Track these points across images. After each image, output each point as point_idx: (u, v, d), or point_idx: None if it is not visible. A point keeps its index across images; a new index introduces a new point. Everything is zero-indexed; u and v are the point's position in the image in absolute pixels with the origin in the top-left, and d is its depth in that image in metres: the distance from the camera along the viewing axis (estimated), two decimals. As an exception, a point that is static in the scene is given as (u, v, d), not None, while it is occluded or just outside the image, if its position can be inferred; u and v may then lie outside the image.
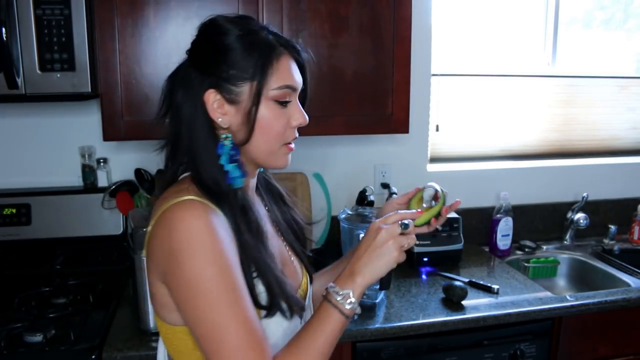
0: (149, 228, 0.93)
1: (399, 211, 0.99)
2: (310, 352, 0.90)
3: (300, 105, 0.98)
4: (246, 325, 0.86)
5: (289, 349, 0.91)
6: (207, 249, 0.85)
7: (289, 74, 0.94)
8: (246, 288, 0.89)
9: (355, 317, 0.96)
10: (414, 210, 1.02)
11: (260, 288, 0.94)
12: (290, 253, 1.12)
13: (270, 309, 0.94)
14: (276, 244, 1.07)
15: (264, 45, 0.92)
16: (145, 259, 0.97)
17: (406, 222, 0.96)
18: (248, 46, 0.91)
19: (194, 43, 0.97)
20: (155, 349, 1.36)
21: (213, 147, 0.93)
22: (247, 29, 0.93)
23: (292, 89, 0.95)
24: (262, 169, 1.09)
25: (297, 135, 0.99)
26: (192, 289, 0.85)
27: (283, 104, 0.94)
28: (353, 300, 0.92)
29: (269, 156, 0.97)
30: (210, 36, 0.95)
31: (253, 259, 0.93)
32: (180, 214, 0.87)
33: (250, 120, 0.92)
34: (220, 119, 0.93)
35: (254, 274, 0.93)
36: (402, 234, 0.95)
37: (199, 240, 0.86)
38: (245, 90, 0.92)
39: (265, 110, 0.93)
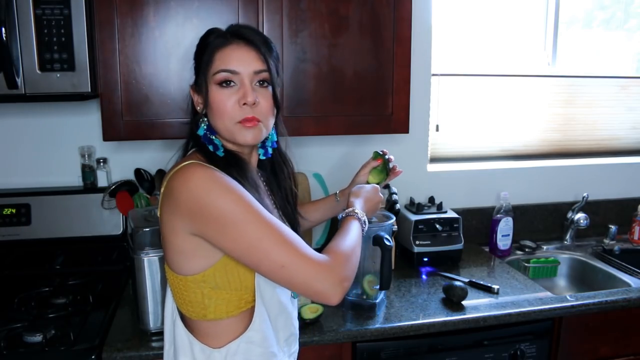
0: (162, 189, 1.06)
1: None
2: (355, 250, 1.11)
3: (249, 87, 1.08)
4: (290, 234, 1.01)
5: (335, 248, 1.08)
6: (226, 187, 1.00)
7: (229, 59, 1.08)
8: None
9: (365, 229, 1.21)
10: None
11: None
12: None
13: None
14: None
15: (211, 41, 1.10)
16: (159, 216, 1.09)
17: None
18: (202, 46, 1.11)
19: None
20: (155, 348, 1.37)
21: (196, 129, 1.13)
22: (212, 31, 1.12)
23: (230, 72, 1.07)
24: (260, 153, 1.21)
25: (249, 115, 1.08)
26: (231, 224, 0.98)
27: (224, 84, 1.08)
28: (364, 216, 1.22)
29: (228, 133, 1.10)
30: None
31: None
32: (192, 170, 1.02)
33: (204, 101, 1.10)
34: (198, 107, 1.14)
35: None
36: None
37: (216, 183, 1.00)
38: (202, 80, 1.10)
39: (213, 93, 1.09)
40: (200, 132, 1.12)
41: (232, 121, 1.08)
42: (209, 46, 1.10)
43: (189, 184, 1.00)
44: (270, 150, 1.21)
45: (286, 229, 1.03)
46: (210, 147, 1.10)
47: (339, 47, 1.68)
